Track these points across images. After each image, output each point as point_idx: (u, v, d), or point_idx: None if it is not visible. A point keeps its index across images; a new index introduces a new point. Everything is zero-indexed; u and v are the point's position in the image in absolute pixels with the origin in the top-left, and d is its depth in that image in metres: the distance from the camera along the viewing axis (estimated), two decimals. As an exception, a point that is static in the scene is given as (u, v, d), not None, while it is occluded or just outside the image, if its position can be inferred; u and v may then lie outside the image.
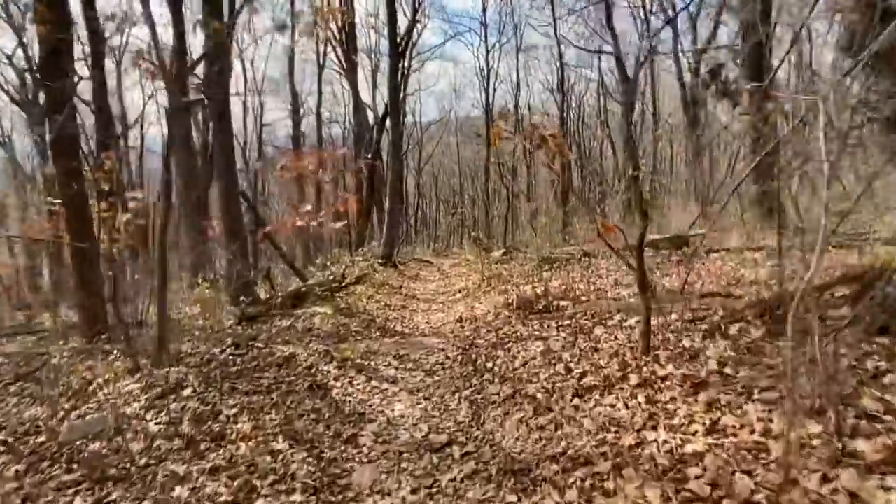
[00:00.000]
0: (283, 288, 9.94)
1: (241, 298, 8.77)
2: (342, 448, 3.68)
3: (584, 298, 6.62)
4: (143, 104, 29.38)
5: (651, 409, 3.41)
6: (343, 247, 18.52)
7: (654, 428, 3.19)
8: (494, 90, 25.47)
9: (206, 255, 10.63)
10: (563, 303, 6.43)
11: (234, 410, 4.17)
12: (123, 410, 4.22)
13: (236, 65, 23.75)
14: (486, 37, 25.66)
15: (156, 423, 4.01)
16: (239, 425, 3.93)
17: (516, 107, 27.87)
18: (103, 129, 12.69)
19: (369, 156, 18.57)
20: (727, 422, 3.06)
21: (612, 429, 3.31)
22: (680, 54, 21.14)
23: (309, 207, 7.73)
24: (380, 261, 15.35)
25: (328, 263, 13.71)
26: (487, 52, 24.91)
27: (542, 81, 29.59)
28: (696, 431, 3.04)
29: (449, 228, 38.49)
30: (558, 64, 23.03)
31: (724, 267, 7.27)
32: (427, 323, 8.15)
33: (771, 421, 2.97)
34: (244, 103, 25.72)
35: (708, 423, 3.08)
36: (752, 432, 2.91)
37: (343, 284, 10.38)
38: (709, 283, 6.16)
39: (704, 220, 10.36)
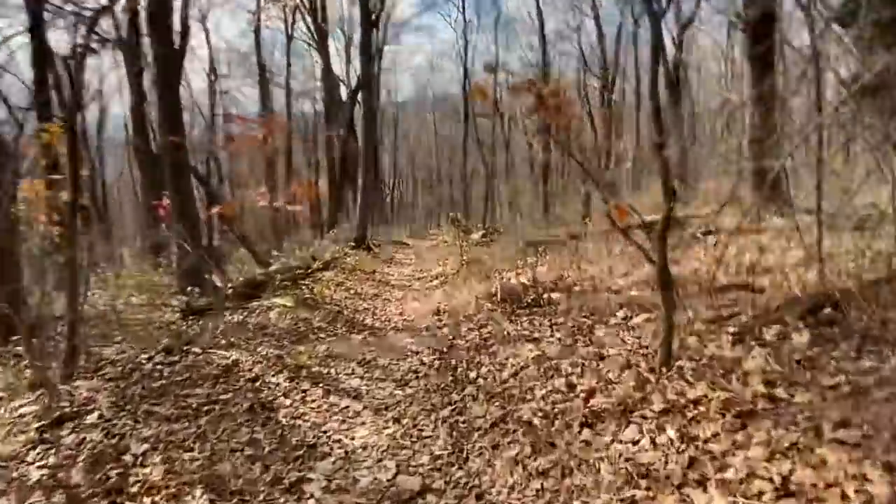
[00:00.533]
0: (245, 275, 8.91)
1: (190, 288, 7.78)
2: (281, 502, 2.77)
3: (577, 289, 5.76)
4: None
5: (690, 452, 2.55)
6: (315, 229, 17.45)
7: (701, 484, 2.33)
8: (472, 65, 24.35)
9: (162, 238, 9.53)
10: (554, 295, 5.57)
11: (146, 446, 3.21)
12: None
13: (199, 35, 22.23)
14: (463, 7, 24.33)
15: (38, 468, 3.04)
16: (147, 469, 2.99)
17: (495, 82, 26.78)
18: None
19: (341, 130, 17.44)
20: (803, 477, 2.20)
21: (642, 482, 2.45)
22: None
23: (263, 189, 6.74)
24: (352, 244, 14.33)
25: (296, 248, 12.69)
26: (465, 22, 23.72)
27: (521, 57, 28.39)
28: (762, 494, 2.19)
29: (426, 209, 37.48)
30: (539, 37, 21.96)
31: (731, 252, 6.47)
32: (400, 315, 7.24)
33: (867, 478, 2.13)
34: (210, 81, 24.19)
35: (776, 478, 2.23)
36: (845, 499, 2.07)
37: (309, 271, 9.38)
38: (722, 273, 5.33)
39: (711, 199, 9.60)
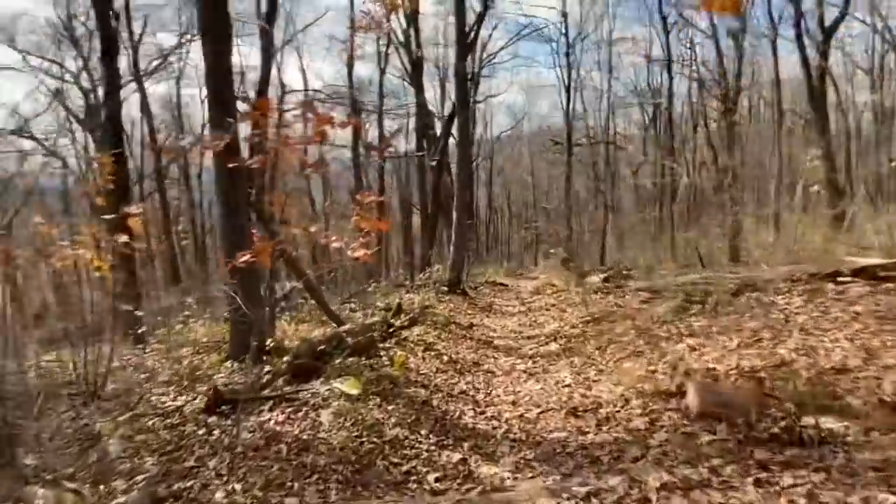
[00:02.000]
0: (306, 339, 6.92)
1: (240, 359, 5.90)
2: None
3: (863, 407, 3.09)
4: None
5: None
6: (406, 269, 15.57)
7: None
8: (576, 90, 21.96)
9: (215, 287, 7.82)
10: (825, 422, 2.91)
11: None
12: None
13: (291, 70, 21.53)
14: (566, 29, 22.02)
15: None
16: None
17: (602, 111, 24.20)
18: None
19: (434, 161, 15.57)
20: None
21: None
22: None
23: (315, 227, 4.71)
24: (444, 288, 12.17)
25: (379, 295, 10.67)
26: (568, 46, 21.45)
27: (626, 82, 25.60)
28: None
29: (522, 245, 34.96)
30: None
31: None
32: (514, 406, 4.84)
33: None
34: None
35: None
36: None
37: (391, 329, 7.23)
38: None
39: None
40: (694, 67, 22.95)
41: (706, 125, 24.45)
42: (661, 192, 20.00)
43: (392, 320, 7.57)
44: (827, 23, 16.48)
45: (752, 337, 4.84)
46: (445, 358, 6.66)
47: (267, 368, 5.39)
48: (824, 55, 16.67)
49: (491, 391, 5.42)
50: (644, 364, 4.88)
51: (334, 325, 7.34)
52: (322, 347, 6.07)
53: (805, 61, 16.23)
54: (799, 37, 16.38)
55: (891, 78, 23.02)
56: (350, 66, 19.61)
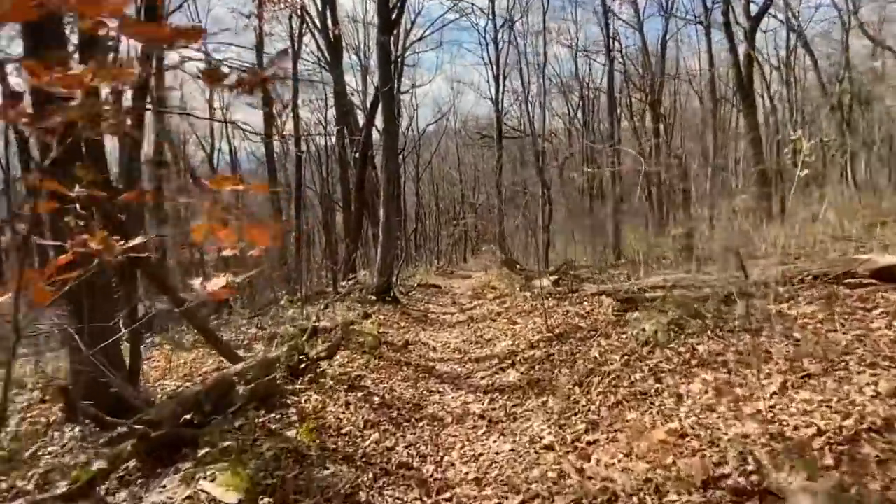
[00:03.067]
0: (184, 387, 5.06)
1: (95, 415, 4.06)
2: None
3: None
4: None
5: None
6: (325, 276, 13.67)
7: None
8: (505, 77, 20.71)
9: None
10: None
11: None
12: None
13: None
14: (493, 15, 20.67)
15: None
16: None
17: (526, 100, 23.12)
18: None
19: (357, 152, 13.75)
20: None
21: None
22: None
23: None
24: (373, 296, 10.47)
25: (293, 310, 8.83)
26: (496, 32, 20.14)
27: (551, 74, 24.72)
28: None
29: (451, 242, 33.62)
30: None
31: None
32: (478, 489, 3.29)
33: None
34: (210, 109, 20.78)
35: None
36: None
37: (303, 363, 5.47)
38: None
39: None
40: (620, 59, 22.41)
41: (632, 116, 24.09)
42: (600, 185, 19.17)
43: (306, 349, 5.81)
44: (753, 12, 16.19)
45: (792, 369, 3.54)
46: (377, 400, 5.00)
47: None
48: (751, 41, 16.30)
49: (442, 457, 3.84)
50: (656, 417, 3.46)
51: (228, 361, 5.49)
52: (203, 400, 4.26)
53: (733, 49, 15.76)
54: (727, 25, 15.91)
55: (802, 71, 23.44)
56: (259, 47, 17.32)
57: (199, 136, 21.58)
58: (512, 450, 3.75)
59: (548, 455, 3.50)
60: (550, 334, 6.23)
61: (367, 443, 4.02)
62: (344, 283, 11.66)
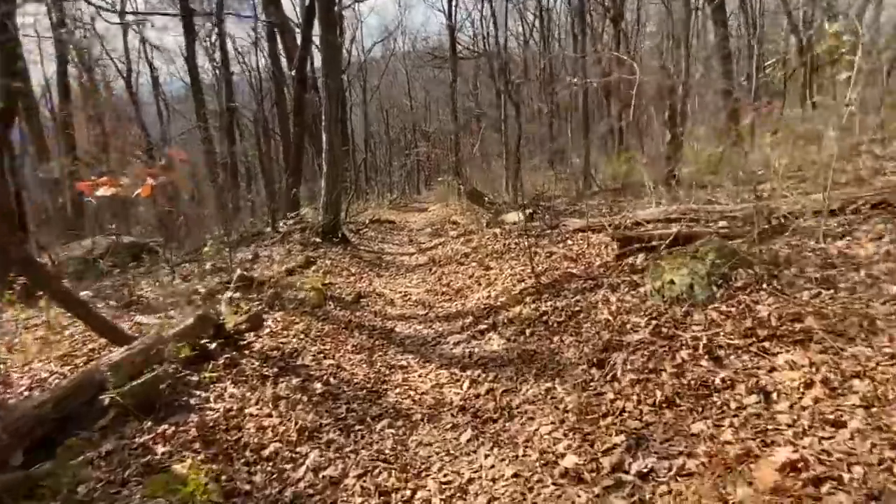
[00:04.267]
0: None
1: None
2: None
3: None
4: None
5: None
6: (265, 215, 11.89)
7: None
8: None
9: None
10: None
11: None
12: None
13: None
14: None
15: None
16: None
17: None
18: None
19: (293, 74, 11.69)
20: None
21: None
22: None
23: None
24: (317, 237, 8.91)
25: (222, 256, 7.25)
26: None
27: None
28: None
29: (404, 173, 31.75)
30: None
31: None
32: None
33: None
34: (122, 22, 17.68)
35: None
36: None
37: (221, 337, 4.01)
38: None
39: None
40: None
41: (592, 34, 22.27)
42: (556, 107, 17.62)
43: (224, 316, 4.33)
44: None
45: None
46: (319, 388, 3.63)
47: None
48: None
49: (413, 492, 2.55)
50: (742, 430, 2.23)
51: (114, 342, 3.95)
52: (54, 417, 2.80)
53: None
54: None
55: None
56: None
57: (113, 55, 18.55)
58: (516, 476, 2.49)
59: (577, 491, 2.26)
60: (537, 283, 4.94)
61: (301, 472, 2.68)
62: (284, 223, 10.01)
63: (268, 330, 4.64)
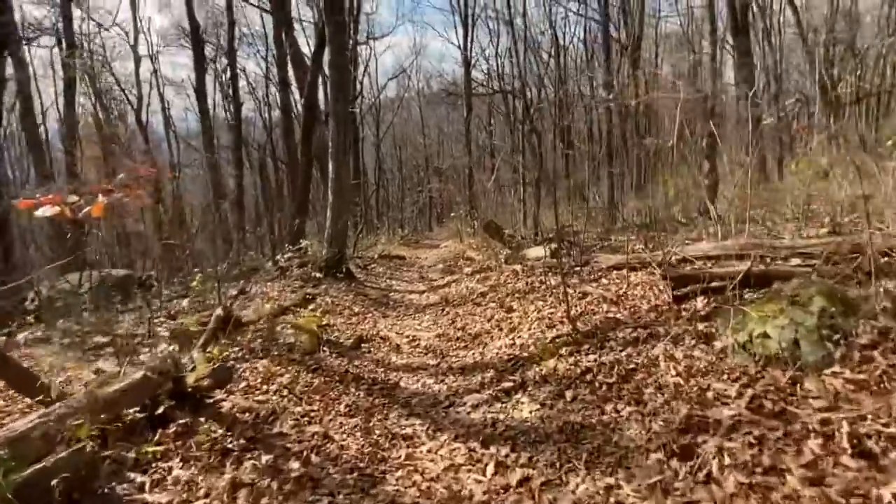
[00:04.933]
0: None
1: None
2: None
3: None
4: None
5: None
6: (266, 248, 11.14)
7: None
8: (473, 23, 18.10)
9: None
10: None
11: None
12: None
13: None
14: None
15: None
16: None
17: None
18: None
19: (301, 102, 11.14)
20: None
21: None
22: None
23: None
24: (318, 273, 8.09)
25: (201, 289, 6.47)
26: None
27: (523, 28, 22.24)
28: None
29: (416, 210, 31.16)
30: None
31: None
32: None
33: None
34: (135, 55, 17.55)
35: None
36: None
37: (179, 395, 3.13)
38: None
39: None
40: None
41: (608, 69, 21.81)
42: (568, 139, 16.95)
43: (184, 370, 3.45)
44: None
45: None
46: (296, 469, 2.72)
47: None
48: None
49: None
50: None
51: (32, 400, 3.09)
52: None
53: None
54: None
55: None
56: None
57: (125, 88, 18.32)
58: None
59: None
60: (573, 331, 4.03)
61: None
62: (283, 256, 9.21)
63: (244, 384, 3.75)
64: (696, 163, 7.99)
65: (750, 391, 2.49)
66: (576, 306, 4.64)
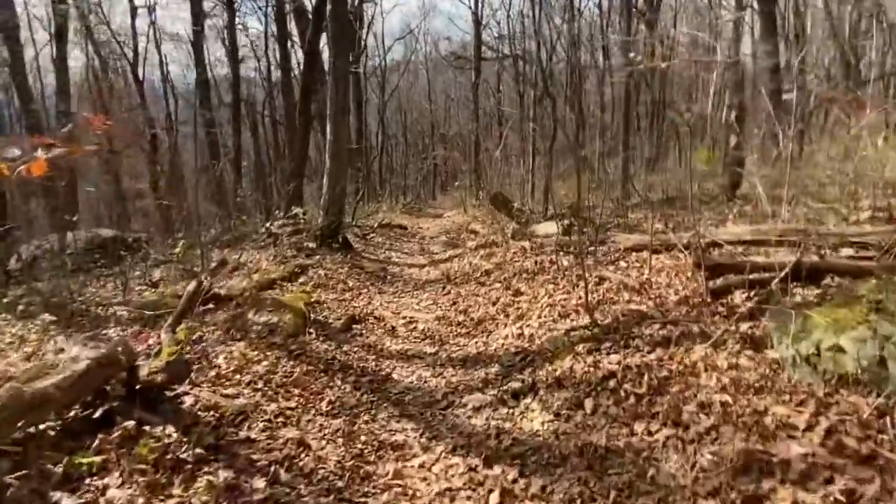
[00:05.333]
0: None
1: None
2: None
3: None
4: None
5: None
6: (257, 212, 10.56)
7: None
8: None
9: None
10: None
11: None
12: None
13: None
14: None
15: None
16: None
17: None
18: None
19: (299, 53, 10.41)
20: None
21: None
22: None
23: None
24: (313, 242, 7.57)
25: (195, 261, 6.00)
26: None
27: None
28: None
29: (420, 177, 30.43)
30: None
31: None
32: None
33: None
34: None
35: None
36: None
37: (130, 389, 2.65)
38: None
39: None
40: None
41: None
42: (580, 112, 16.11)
43: (137, 364, 2.95)
44: None
45: None
46: (260, 490, 2.24)
47: None
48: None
49: None
50: None
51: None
52: None
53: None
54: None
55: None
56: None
57: (122, 42, 17.44)
58: None
59: None
60: (592, 324, 3.52)
61: None
62: (276, 223, 8.66)
63: (213, 373, 3.26)
64: (720, 136, 7.34)
65: (823, 421, 1.98)
66: (593, 293, 4.11)
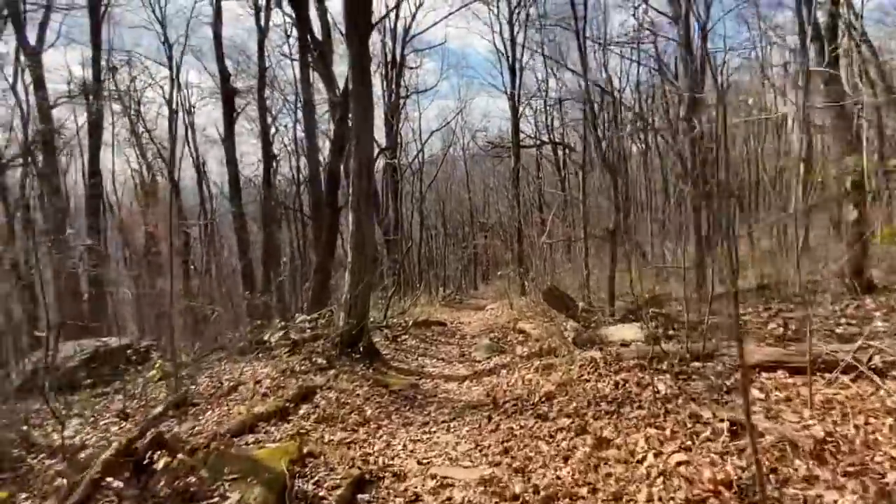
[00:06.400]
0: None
1: None
2: None
3: None
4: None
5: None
6: (278, 317, 9.30)
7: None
8: (521, 69, 16.65)
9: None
10: None
11: None
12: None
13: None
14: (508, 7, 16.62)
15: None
16: None
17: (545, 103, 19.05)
18: None
19: (328, 140, 9.62)
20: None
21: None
22: None
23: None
24: (333, 350, 6.18)
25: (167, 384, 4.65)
26: (512, 13, 16.10)
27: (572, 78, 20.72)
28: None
29: (460, 267, 29.26)
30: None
31: None
32: None
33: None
34: (170, 111, 16.88)
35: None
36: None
37: None
38: None
39: None
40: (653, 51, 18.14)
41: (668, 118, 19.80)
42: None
43: None
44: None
45: None
46: None
47: None
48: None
49: None
50: None
51: None
52: None
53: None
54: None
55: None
56: (217, 34, 13.39)
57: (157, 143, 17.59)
58: None
59: None
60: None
61: None
62: (296, 325, 7.32)
63: None
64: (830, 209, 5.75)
65: None
66: (731, 453, 2.46)
